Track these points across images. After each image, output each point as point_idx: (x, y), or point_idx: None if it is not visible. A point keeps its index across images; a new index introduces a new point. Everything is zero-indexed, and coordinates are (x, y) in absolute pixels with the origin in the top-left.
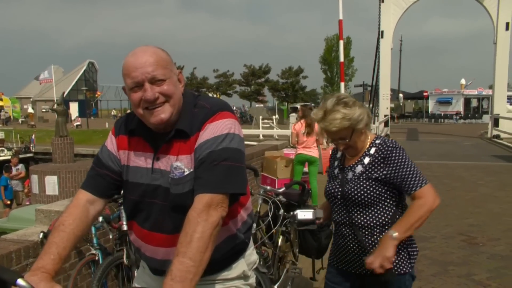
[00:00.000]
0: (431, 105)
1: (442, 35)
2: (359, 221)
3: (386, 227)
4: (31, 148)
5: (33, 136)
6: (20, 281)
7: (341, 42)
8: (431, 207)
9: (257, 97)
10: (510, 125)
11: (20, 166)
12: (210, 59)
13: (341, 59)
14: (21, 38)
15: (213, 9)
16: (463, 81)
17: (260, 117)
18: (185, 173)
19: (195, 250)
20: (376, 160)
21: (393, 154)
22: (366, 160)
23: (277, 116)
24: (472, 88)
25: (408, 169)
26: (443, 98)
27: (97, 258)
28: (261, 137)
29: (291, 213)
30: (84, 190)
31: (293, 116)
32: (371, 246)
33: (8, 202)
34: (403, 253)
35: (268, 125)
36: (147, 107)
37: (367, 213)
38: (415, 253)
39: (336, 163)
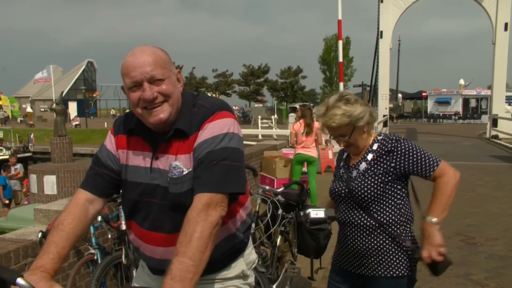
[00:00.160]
0: (430, 105)
1: (441, 35)
2: (364, 220)
3: (389, 227)
4: (29, 147)
5: (31, 136)
6: (19, 280)
7: (340, 42)
8: (455, 180)
9: (256, 97)
10: (509, 126)
11: (19, 166)
12: (209, 59)
13: (340, 59)
14: (20, 37)
15: (212, 9)
16: (462, 81)
17: (259, 117)
18: (184, 173)
19: (195, 249)
20: (380, 155)
21: (398, 145)
22: (370, 156)
23: (276, 116)
24: (471, 89)
25: (419, 154)
26: (442, 98)
27: (95, 257)
28: (260, 137)
29: (301, 212)
30: (83, 190)
31: (292, 116)
32: (373, 246)
33: (7, 202)
34: (402, 256)
35: (267, 125)
36: (146, 107)
37: (372, 212)
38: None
39: (341, 163)
